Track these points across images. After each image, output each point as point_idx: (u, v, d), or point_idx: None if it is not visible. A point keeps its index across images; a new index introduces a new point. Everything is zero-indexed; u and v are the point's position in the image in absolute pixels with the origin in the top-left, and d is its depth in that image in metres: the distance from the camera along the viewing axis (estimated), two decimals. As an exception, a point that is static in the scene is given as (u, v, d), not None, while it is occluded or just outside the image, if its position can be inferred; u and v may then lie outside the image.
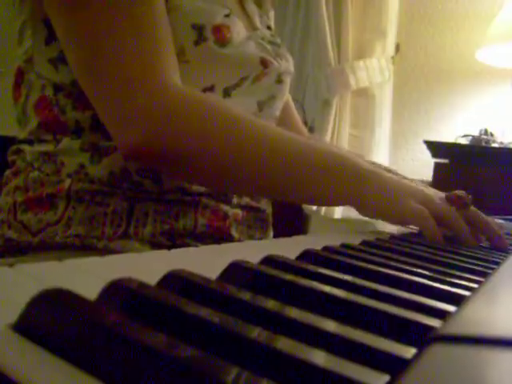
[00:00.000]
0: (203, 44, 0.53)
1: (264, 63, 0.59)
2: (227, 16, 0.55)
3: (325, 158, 0.49)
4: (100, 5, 0.46)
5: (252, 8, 0.65)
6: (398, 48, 1.95)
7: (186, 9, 0.52)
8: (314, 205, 0.62)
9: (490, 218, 0.50)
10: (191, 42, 0.53)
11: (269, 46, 0.62)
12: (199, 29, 0.53)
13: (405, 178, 0.68)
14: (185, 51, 0.53)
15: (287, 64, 0.66)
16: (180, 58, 0.52)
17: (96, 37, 0.47)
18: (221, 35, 0.54)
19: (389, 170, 0.70)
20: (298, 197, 0.55)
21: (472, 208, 0.50)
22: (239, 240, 0.59)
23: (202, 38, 0.53)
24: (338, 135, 1.88)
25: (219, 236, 0.57)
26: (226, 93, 0.57)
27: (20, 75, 0.57)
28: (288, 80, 0.67)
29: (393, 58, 1.92)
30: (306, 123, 2.08)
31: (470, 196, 0.49)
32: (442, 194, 0.50)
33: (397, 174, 0.71)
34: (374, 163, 0.72)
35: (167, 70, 0.48)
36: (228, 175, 0.50)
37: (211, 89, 0.55)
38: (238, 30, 0.56)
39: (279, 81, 0.64)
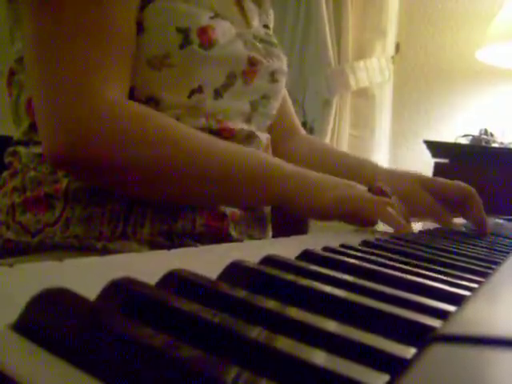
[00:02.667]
0: (188, 47, 0.53)
1: (252, 62, 0.59)
2: (212, 18, 0.55)
3: (249, 162, 0.53)
4: (56, 6, 0.47)
5: (250, 7, 0.65)
6: (397, 48, 1.95)
7: (171, 12, 0.52)
8: (244, 207, 0.63)
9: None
10: (176, 46, 0.52)
11: (260, 45, 0.61)
12: (184, 32, 0.52)
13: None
14: (170, 55, 0.53)
15: (280, 63, 0.65)
16: (165, 61, 0.53)
17: (43, 38, 0.47)
18: (206, 37, 0.53)
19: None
20: (226, 202, 0.57)
21: (393, 198, 0.54)
22: (238, 239, 0.59)
23: (187, 42, 0.53)
24: (338, 135, 1.88)
25: (218, 236, 0.57)
26: (218, 94, 0.57)
27: (11, 75, 0.58)
28: (283, 79, 0.67)
29: (393, 57, 1.92)
30: (306, 123, 2.08)
31: (389, 188, 0.54)
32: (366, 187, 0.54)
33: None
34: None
35: (105, 82, 0.48)
36: (151, 185, 0.52)
37: (199, 90, 0.55)
38: (224, 31, 0.56)
39: (273, 80, 0.64)
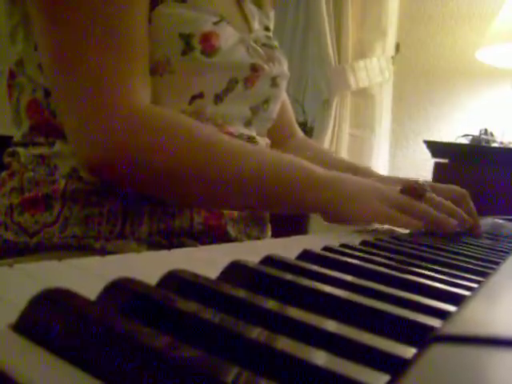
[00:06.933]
0: (190, 54, 0.52)
1: (254, 68, 0.59)
2: (216, 23, 0.54)
3: (282, 167, 0.50)
4: (77, 13, 0.46)
5: (251, 9, 0.65)
6: (398, 48, 1.96)
7: (174, 18, 0.52)
8: (278, 212, 0.62)
9: (443, 200, 0.53)
10: (178, 52, 0.52)
11: (261, 50, 0.61)
12: (187, 38, 0.52)
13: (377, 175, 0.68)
14: (171, 61, 0.52)
15: (281, 67, 0.65)
16: (166, 67, 0.52)
17: (67, 47, 0.47)
18: (209, 44, 0.53)
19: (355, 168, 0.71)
20: (259, 208, 0.57)
21: (428, 195, 0.52)
22: (237, 238, 0.59)
23: (189, 48, 0.52)
24: (338, 135, 1.88)
25: (216, 234, 0.57)
26: (218, 99, 0.57)
27: (11, 77, 0.57)
28: (284, 83, 0.67)
29: (393, 57, 1.92)
30: (306, 123, 2.08)
31: (424, 183, 0.51)
32: (398, 187, 0.52)
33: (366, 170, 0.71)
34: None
35: (134, 87, 0.48)
36: (186, 190, 0.51)
37: (200, 96, 0.55)
38: (227, 37, 0.55)
39: (274, 85, 0.64)
